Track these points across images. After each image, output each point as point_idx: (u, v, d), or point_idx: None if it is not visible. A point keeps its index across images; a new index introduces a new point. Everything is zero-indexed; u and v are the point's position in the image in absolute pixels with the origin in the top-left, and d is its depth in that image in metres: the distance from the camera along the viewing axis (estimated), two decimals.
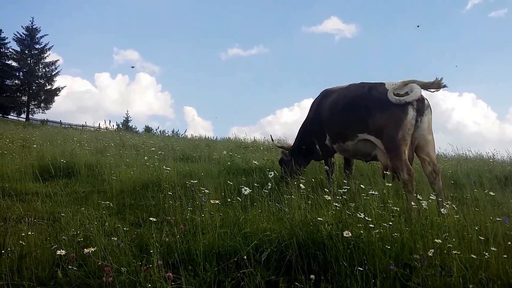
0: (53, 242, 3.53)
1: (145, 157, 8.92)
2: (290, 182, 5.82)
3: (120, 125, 41.41)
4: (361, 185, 4.58)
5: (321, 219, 3.41)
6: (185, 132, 29.22)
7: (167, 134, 26.40)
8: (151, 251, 3.05)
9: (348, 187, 4.58)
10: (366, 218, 3.39)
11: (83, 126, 35.88)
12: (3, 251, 3.34)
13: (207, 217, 3.80)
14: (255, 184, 4.65)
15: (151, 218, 3.63)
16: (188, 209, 4.39)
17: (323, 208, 3.85)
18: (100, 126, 30.79)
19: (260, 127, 79.85)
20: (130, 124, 46.85)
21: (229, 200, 4.60)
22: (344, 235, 3.08)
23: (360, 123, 5.40)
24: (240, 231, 3.59)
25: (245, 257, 3.11)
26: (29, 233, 3.59)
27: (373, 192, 3.93)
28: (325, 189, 4.50)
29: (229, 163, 9.02)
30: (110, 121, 26.85)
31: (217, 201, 3.82)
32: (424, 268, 2.81)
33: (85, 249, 2.90)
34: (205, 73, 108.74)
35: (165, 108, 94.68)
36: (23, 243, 3.42)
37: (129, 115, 50.07)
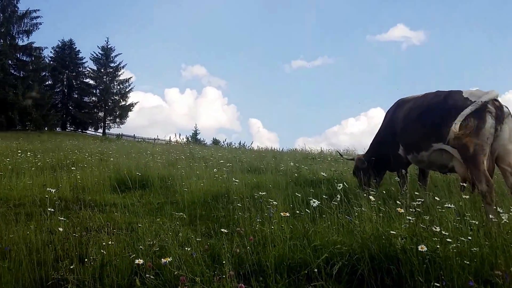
0: (131, 251, 3.69)
1: (214, 169, 9.12)
2: (361, 194, 5.71)
3: (190, 138, 42.63)
4: (436, 197, 4.42)
5: (394, 232, 3.32)
6: (251, 144, 29.50)
7: (234, 146, 26.80)
8: (223, 261, 3.10)
9: (422, 199, 4.43)
10: (442, 231, 3.26)
11: (154, 139, 37.27)
12: (86, 259, 3.54)
13: (276, 229, 3.82)
14: (324, 196, 4.61)
15: (222, 229, 3.71)
16: (257, 220, 4.43)
17: (395, 221, 3.75)
18: (171, 139, 31.86)
19: (325, 137, 79.21)
20: (198, 137, 48.12)
21: (297, 212, 4.60)
22: (419, 249, 2.98)
23: (435, 132, 5.22)
24: (309, 244, 3.57)
25: (316, 270, 3.09)
26: (109, 242, 3.77)
27: (449, 205, 3.77)
28: (397, 201, 4.38)
29: (296, 175, 8.99)
30: (180, 134, 27.71)
31: (287, 214, 3.83)
32: (507, 285, 2.66)
33: (162, 259, 3.00)
34: (270, 85, 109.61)
35: (231, 121, 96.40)
36: (104, 252, 3.60)
37: (197, 128, 51.46)
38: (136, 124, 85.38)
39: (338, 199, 4.19)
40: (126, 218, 5.42)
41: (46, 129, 42.30)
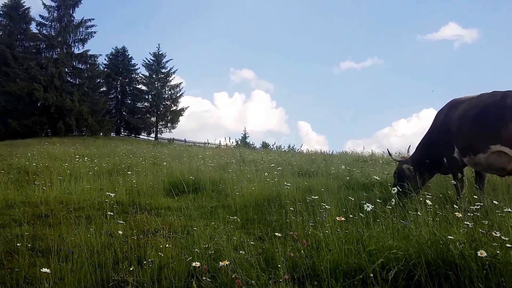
0: (187, 254, 3.79)
1: (265, 173, 9.17)
2: (416, 197, 5.58)
3: (239, 142, 43.00)
4: (494, 201, 4.28)
5: (452, 237, 3.25)
6: (301, 147, 29.41)
7: (283, 149, 26.81)
8: (278, 265, 3.15)
9: (481, 204, 4.29)
10: (502, 237, 3.16)
11: (205, 143, 37.91)
12: (144, 262, 3.68)
13: (330, 233, 3.82)
14: (377, 200, 4.56)
15: (276, 233, 3.75)
16: (309, 224, 4.44)
17: (453, 226, 3.67)
18: (221, 143, 32.27)
19: (375, 140, 77.72)
20: (247, 140, 48.43)
21: (350, 216, 4.57)
22: (478, 254, 2.90)
23: (493, 133, 5.05)
24: (364, 248, 3.55)
25: (371, 275, 3.07)
26: (166, 245, 3.90)
27: (508, 209, 3.65)
28: (455, 205, 4.27)
29: (347, 178, 8.91)
30: (229, 138, 28.02)
31: (342, 219, 3.82)
32: None
33: (220, 262, 3.08)
34: (318, 88, 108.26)
35: (280, 124, 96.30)
36: (162, 255, 3.72)
37: (246, 131, 51.85)
38: (186, 128, 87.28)
39: (393, 203, 4.14)
40: (181, 221, 5.56)
41: (101, 134, 43.79)
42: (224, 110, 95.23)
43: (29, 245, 4.57)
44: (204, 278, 3.20)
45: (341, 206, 5.26)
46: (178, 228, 5.11)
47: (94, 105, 43.47)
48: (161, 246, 3.93)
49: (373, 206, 3.93)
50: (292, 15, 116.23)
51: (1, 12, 47.12)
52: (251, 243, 4.08)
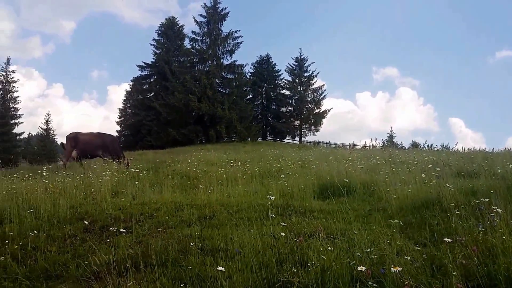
0: (349, 258, 3.76)
1: (422, 175, 8.71)
2: None
3: (385, 142, 41.59)
4: None
5: None
6: (455, 146, 27.31)
7: (435, 149, 25.19)
8: (454, 273, 2.96)
9: None
10: None
11: (349, 145, 37.37)
12: (308, 264, 3.73)
13: (507, 239, 3.48)
14: None
15: (445, 239, 3.52)
16: (479, 229, 4.10)
17: None
18: (366, 144, 31.47)
19: None
20: (394, 140, 46.65)
21: None
22: None
23: None
24: None
25: None
26: (329, 248, 3.91)
27: None
28: None
29: None
30: (376, 139, 26.97)
31: None
32: None
33: (391, 268, 2.99)
34: (471, 81, 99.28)
35: (428, 122, 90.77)
36: (324, 257, 3.74)
37: (392, 131, 49.92)
38: (329, 130, 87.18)
39: None
40: (337, 224, 5.52)
41: (249, 139, 45.78)
42: (367, 110, 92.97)
43: (200, 244, 4.92)
44: (370, 283, 3.14)
45: None
46: (336, 231, 5.09)
47: (242, 112, 45.75)
48: (321, 249, 3.94)
49: None
50: (438, 3, 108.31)
51: (159, 31, 52.66)
52: (417, 248, 3.90)
